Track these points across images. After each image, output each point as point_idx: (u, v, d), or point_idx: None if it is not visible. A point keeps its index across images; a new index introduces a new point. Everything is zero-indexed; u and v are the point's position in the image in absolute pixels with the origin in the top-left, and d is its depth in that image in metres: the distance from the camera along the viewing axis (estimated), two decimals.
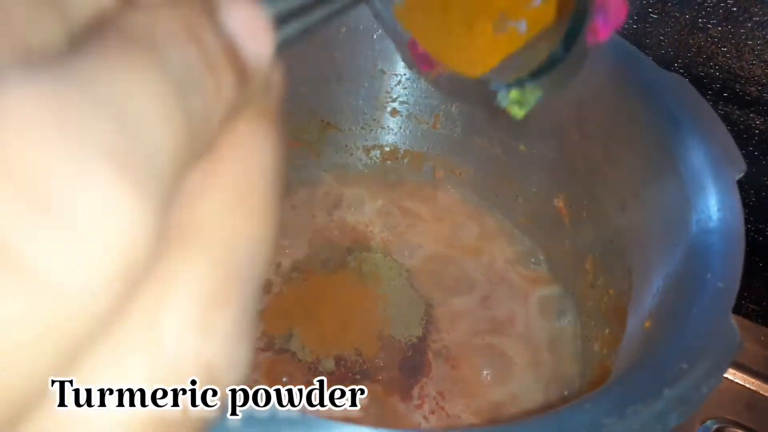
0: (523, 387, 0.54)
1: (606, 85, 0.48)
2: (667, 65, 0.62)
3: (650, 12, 0.62)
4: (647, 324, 0.41)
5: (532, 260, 0.62)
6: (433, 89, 0.60)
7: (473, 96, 0.59)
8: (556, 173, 0.58)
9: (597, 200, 0.54)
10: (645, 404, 0.29)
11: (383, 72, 0.61)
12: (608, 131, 0.51)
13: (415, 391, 0.53)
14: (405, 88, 0.62)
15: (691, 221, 0.40)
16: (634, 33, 0.63)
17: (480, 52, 0.37)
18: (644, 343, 0.39)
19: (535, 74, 0.32)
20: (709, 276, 0.36)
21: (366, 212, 0.65)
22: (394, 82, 0.62)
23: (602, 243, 0.53)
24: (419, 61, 0.39)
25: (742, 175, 0.41)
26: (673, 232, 0.42)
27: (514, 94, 0.33)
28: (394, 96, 0.63)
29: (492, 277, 0.61)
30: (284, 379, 0.53)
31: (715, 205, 0.40)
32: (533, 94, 0.32)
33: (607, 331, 0.51)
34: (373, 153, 0.67)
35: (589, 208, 0.55)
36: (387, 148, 0.66)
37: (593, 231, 0.55)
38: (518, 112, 0.34)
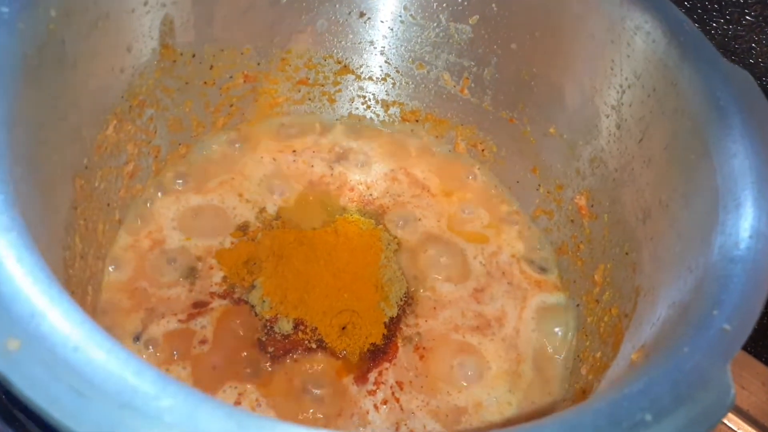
0: (492, 397, 0.47)
1: (654, 65, 0.40)
2: (758, 79, 0.53)
3: (746, 13, 0.53)
4: (634, 356, 0.34)
5: (541, 260, 0.54)
6: (467, 46, 0.53)
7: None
8: (584, 166, 0.50)
9: (621, 203, 0.46)
10: None
11: (412, 18, 0.54)
12: (647, 123, 0.43)
13: (372, 375, 0.47)
14: (437, 41, 0.55)
15: (714, 244, 0.32)
16: (723, 34, 0.54)
17: None
18: (621, 379, 0.32)
19: None
20: (715, 313, 0.29)
21: (371, 173, 0.59)
22: (425, 33, 0.55)
23: (617, 254, 0.46)
24: None
25: None
26: (692, 254, 0.35)
27: None
28: (424, 49, 0.56)
29: (492, 269, 0.54)
30: (240, 333, 0.48)
31: (747, 230, 0.32)
32: None
33: (598, 354, 0.44)
34: (392, 110, 0.61)
35: (612, 211, 0.47)
36: (407, 108, 0.60)
37: (611, 238, 0.47)
38: None
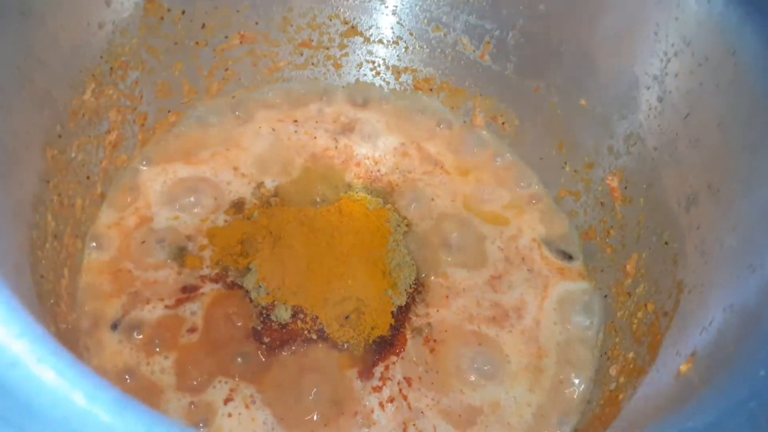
0: (510, 396, 0.43)
1: (708, 29, 0.35)
2: None
3: None
4: (684, 367, 0.30)
5: (565, 246, 0.50)
6: (490, 7, 0.47)
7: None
8: (618, 143, 0.45)
9: (661, 187, 0.41)
10: None
11: None
12: (696, 96, 0.37)
13: (378, 370, 0.43)
14: (455, 1, 0.49)
15: None
16: None
17: None
18: (676, 399, 0.27)
19: None
20: None
21: (379, 147, 0.54)
22: None
23: (655, 243, 0.41)
24: None
25: None
26: (754, 249, 0.30)
27: None
28: (439, 10, 0.50)
29: (511, 254, 0.49)
30: (233, 321, 0.44)
31: None
32: None
33: (631, 354, 0.39)
34: (404, 78, 0.55)
35: (649, 195, 0.42)
36: (421, 75, 0.55)
37: (647, 225, 0.42)
38: None
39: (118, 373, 0.40)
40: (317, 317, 0.44)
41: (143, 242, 0.45)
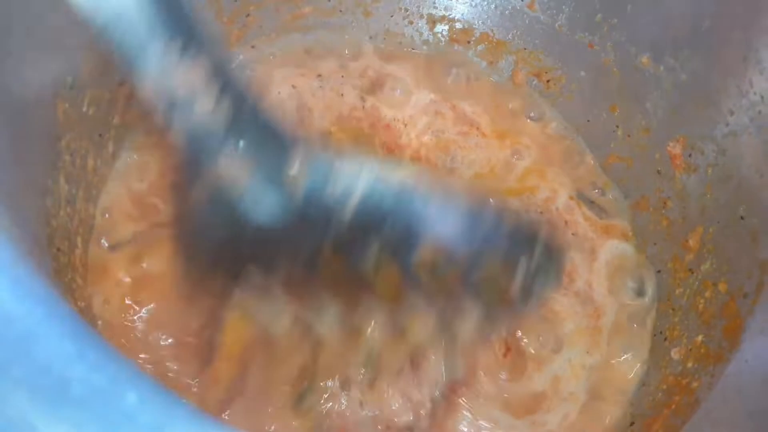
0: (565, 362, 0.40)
1: None
2: None
3: None
4: None
5: (613, 218, 0.46)
6: None
7: None
8: (684, 104, 0.41)
9: (734, 154, 0.37)
10: None
11: None
12: None
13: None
14: None
15: None
16: None
17: None
18: None
19: None
20: None
21: (410, 105, 0.49)
22: None
23: (726, 216, 0.38)
24: None
25: None
26: None
27: None
28: None
29: (553, 217, 0.46)
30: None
31: None
32: None
33: (700, 338, 0.36)
34: (439, 28, 0.50)
35: (719, 161, 0.39)
36: (458, 25, 0.50)
37: (716, 196, 0.39)
38: None
39: None
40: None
41: None
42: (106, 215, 0.39)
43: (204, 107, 0.27)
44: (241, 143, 0.29)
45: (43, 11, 0.28)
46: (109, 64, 0.36)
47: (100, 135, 0.38)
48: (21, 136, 0.27)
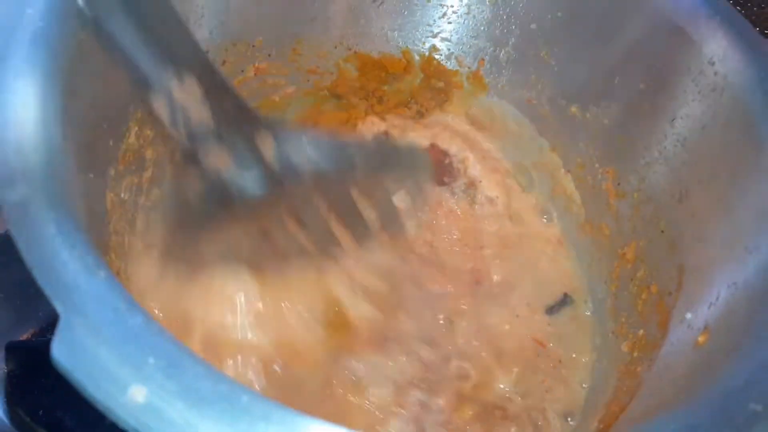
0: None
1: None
2: None
3: None
4: (702, 338, 0.35)
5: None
6: (482, 27, 0.52)
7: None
8: (608, 145, 0.50)
9: (651, 181, 0.46)
10: None
11: (427, 0, 0.53)
12: (679, 101, 0.43)
13: None
14: (450, 23, 0.54)
15: None
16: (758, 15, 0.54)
17: None
18: (700, 366, 0.32)
19: None
20: None
21: None
22: (438, 14, 0.54)
23: (651, 231, 0.46)
24: None
25: None
26: (751, 233, 0.35)
27: None
28: (436, 30, 0.55)
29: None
30: None
31: None
32: None
33: (641, 332, 0.45)
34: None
35: (641, 187, 0.48)
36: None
37: (642, 215, 0.48)
38: None
39: None
40: None
41: None
42: None
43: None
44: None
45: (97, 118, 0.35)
46: (137, 156, 0.44)
47: (132, 216, 0.45)
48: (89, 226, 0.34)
